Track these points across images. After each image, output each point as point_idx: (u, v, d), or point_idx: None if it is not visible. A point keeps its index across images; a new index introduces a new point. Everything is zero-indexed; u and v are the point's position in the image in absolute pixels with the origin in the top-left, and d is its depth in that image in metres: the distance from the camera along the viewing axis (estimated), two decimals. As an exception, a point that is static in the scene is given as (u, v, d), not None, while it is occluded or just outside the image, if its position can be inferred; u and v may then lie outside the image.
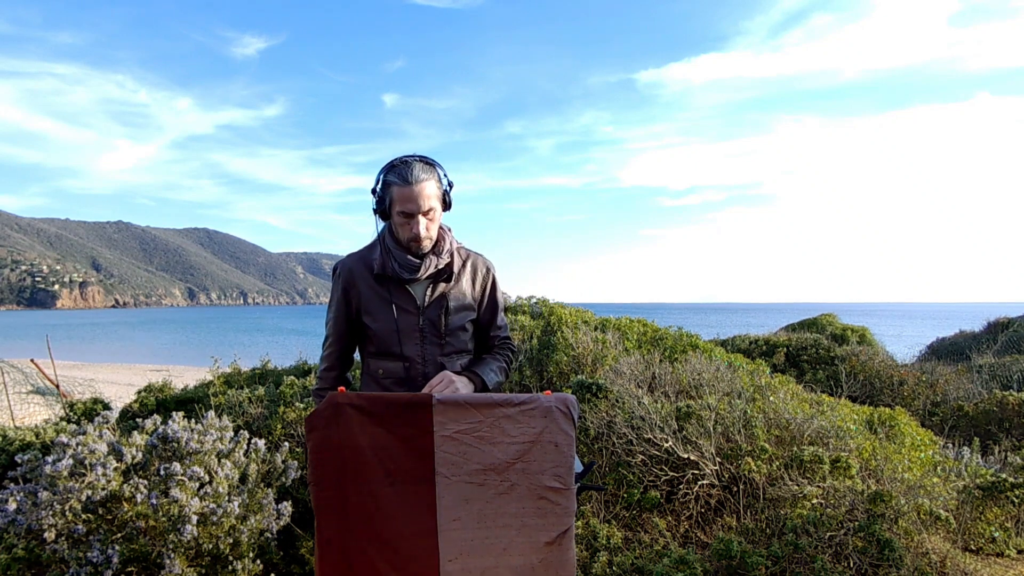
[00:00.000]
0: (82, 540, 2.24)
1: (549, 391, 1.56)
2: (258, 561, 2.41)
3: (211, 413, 2.68)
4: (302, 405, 3.49)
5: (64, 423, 4.19)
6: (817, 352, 7.14)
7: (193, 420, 2.63)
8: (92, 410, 4.66)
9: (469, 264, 1.85)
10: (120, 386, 13.31)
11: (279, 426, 3.41)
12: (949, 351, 10.12)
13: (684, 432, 3.15)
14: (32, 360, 10.67)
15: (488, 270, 1.88)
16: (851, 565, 2.50)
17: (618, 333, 4.87)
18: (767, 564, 2.48)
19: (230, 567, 2.33)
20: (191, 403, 4.35)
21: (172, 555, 2.22)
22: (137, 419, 3.07)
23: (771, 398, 3.55)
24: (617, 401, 3.48)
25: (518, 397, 1.50)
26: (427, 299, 1.77)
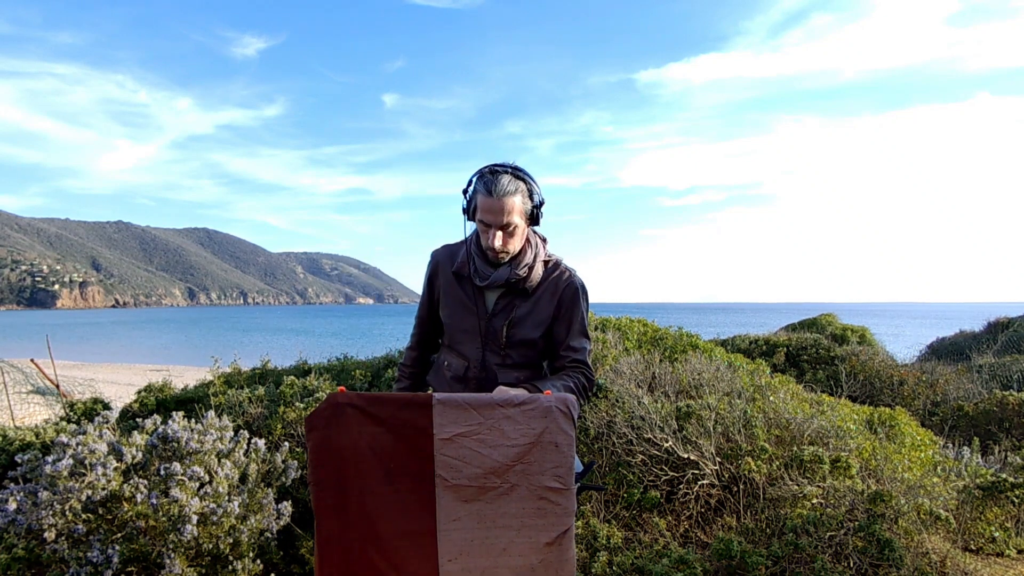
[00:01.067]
0: (82, 540, 2.24)
1: (549, 391, 1.55)
2: (258, 561, 2.41)
3: (211, 413, 2.68)
4: (302, 405, 3.49)
5: (64, 423, 4.19)
6: (817, 352, 7.14)
7: (193, 420, 2.63)
8: (92, 410, 4.66)
9: (551, 278, 1.79)
10: (120, 386, 13.31)
11: (279, 426, 3.41)
12: (949, 351, 10.12)
13: (684, 432, 3.15)
14: (32, 360, 10.67)
15: (570, 286, 1.79)
16: (851, 565, 2.50)
17: (618, 333, 4.87)
18: (767, 564, 2.48)
19: (230, 567, 2.33)
20: (191, 403, 4.35)
21: (172, 555, 2.22)
22: (137, 419, 3.07)
23: (771, 398, 3.55)
24: (617, 401, 3.48)
25: (518, 397, 1.50)
26: (496, 308, 1.77)
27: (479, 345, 1.78)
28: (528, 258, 1.75)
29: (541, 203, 1.73)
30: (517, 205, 1.66)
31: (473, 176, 1.71)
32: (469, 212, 1.72)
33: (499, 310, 1.77)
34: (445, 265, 1.82)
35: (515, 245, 1.72)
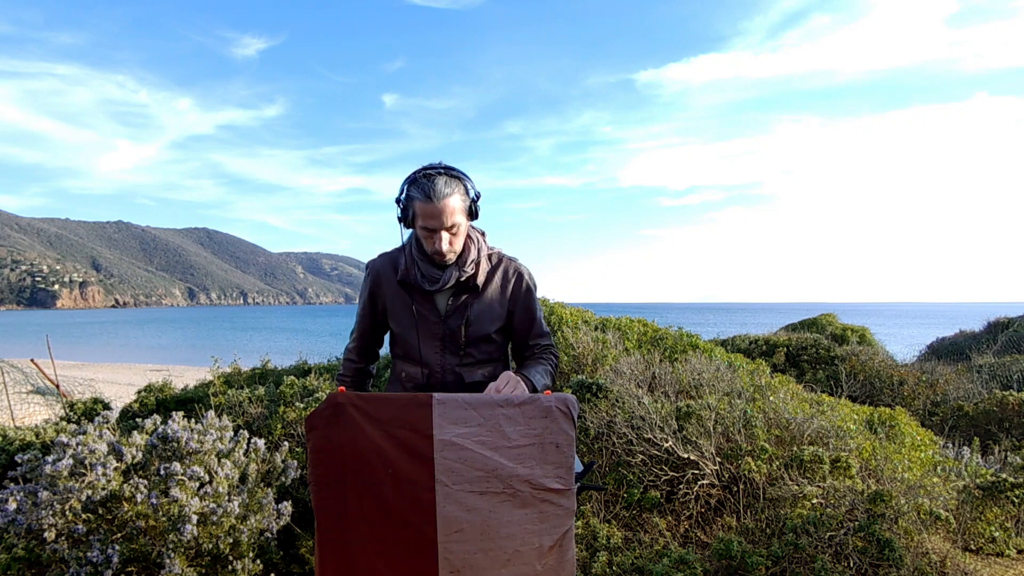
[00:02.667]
0: (82, 540, 2.24)
1: (549, 391, 1.55)
2: (258, 561, 2.40)
3: (211, 413, 2.68)
4: (302, 405, 3.49)
5: (64, 423, 4.18)
6: (817, 352, 7.14)
7: (193, 420, 2.63)
8: (92, 410, 4.66)
9: (499, 272, 1.79)
10: (120, 386, 13.31)
11: (279, 426, 3.40)
12: (949, 351, 10.11)
13: (684, 432, 3.15)
14: (32, 360, 10.66)
15: (520, 277, 1.80)
16: (851, 565, 2.50)
17: (618, 333, 4.87)
18: (767, 564, 2.48)
19: (230, 567, 2.33)
20: (191, 403, 4.35)
21: (172, 555, 2.22)
22: (137, 419, 3.07)
23: (771, 398, 3.55)
24: (617, 401, 3.48)
25: (518, 397, 1.49)
26: (449, 309, 1.76)
27: (439, 349, 1.77)
28: (473, 254, 1.74)
29: (478, 196, 1.72)
30: (457, 205, 1.65)
31: (404, 183, 1.68)
32: (406, 220, 1.69)
33: (453, 311, 1.76)
34: (388, 275, 1.79)
35: (460, 244, 1.71)
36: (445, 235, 1.65)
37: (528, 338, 1.83)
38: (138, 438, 2.46)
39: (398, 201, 1.70)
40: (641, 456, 3.13)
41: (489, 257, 1.80)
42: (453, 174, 1.66)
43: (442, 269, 1.73)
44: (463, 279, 1.73)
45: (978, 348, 9.41)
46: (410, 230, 1.75)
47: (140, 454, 2.44)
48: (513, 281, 1.80)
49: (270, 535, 2.51)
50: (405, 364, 1.83)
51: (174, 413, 2.57)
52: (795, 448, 3.12)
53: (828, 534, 2.57)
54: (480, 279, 1.75)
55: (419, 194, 1.63)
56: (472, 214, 1.73)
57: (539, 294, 2.23)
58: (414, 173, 1.67)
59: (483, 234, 1.82)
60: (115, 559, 2.18)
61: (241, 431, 2.67)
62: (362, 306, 1.86)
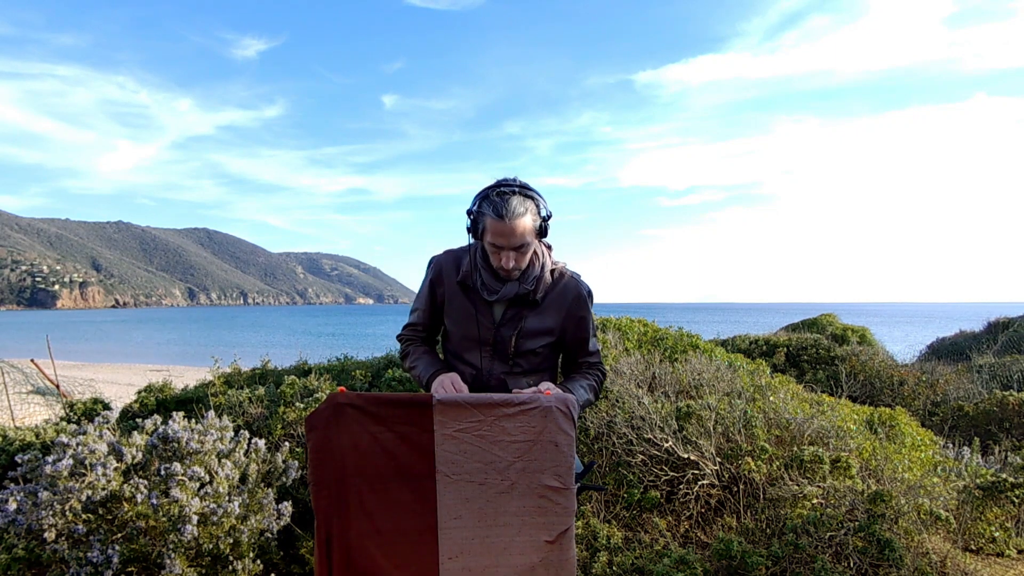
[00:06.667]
0: (82, 540, 2.24)
1: (549, 391, 1.56)
2: (258, 561, 2.41)
3: (211, 413, 2.68)
4: (302, 405, 3.49)
5: (64, 423, 4.18)
6: (817, 352, 7.14)
7: (193, 420, 2.64)
8: (92, 410, 4.66)
9: (558, 288, 1.79)
10: (120, 386, 13.31)
11: (279, 426, 3.40)
12: (949, 351, 10.11)
13: (684, 432, 3.15)
14: (32, 360, 10.66)
15: (578, 296, 1.80)
16: (851, 565, 2.50)
17: (618, 333, 4.87)
18: (767, 564, 2.48)
19: (230, 567, 2.33)
20: (191, 403, 4.35)
21: (172, 555, 2.22)
22: (137, 419, 3.07)
23: (771, 398, 3.55)
24: (617, 401, 3.48)
25: (518, 397, 1.50)
26: (504, 318, 1.77)
27: (489, 354, 1.79)
28: (536, 270, 1.75)
29: (549, 216, 1.72)
30: (528, 225, 1.65)
31: (478, 196, 1.68)
32: (476, 233, 1.70)
33: (507, 320, 1.77)
34: (450, 273, 1.81)
35: (526, 262, 1.72)
36: (513, 254, 1.66)
37: (578, 355, 1.85)
38: (138, 438, 2.46)
39: (469, 213, 1.70)
40: (641, 456, 3.14)
41: (552, 272, 1.79)
42: (528, 193, 1.66)
43: (503, 282, 1.74)
44: (523, 293, 1.73)
45: (978, 348, 9.41)
46: (477, 242, 1.76)
47: (140, 454, 2.44)
48: (571, 299, 1.79)
49: (270, 535, 2.51)
50: (455, 361, 1.85)
51: (174, 413, 2.57)
52: (795, 448, 3.12)
53: (828, 534, 2.57)
54: (539, 295, 1.75)
55: (492, 211, 1.63)
56: (542, 232, 1.73)
57: None
58: (488, 188, 1.67)
59: (549, 248, 1.83)
60: (115, 559, 2.18)
61: (241, 431, 2.67)
62: (421, 298, 1.88)
